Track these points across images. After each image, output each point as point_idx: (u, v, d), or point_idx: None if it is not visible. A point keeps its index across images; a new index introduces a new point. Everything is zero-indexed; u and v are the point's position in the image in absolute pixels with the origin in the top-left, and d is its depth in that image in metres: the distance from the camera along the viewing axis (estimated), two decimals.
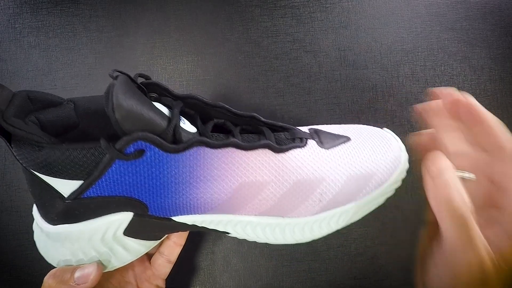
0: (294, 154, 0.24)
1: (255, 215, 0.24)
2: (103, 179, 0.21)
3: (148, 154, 0.20)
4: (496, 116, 0.36)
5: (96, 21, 0.37)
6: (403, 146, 0.26)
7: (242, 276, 0.35)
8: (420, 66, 0.36)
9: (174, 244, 0.29)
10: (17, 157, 0.20)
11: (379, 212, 0.35)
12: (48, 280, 0.23)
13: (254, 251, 0.35)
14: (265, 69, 0.36)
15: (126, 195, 0.22)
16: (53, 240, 0.24)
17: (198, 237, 0.35)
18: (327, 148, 0.25)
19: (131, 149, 0.20)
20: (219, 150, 0.22)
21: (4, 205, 0.35)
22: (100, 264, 0.24)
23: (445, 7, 0.37)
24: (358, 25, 0.37)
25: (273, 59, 0.36)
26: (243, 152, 0.23)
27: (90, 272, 0.23)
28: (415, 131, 0.36)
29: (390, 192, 0.25)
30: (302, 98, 0.36)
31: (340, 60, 0.36)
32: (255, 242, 0.35)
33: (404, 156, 0.26)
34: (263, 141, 0.23)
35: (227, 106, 0.25)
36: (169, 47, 0.37)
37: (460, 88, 0.36)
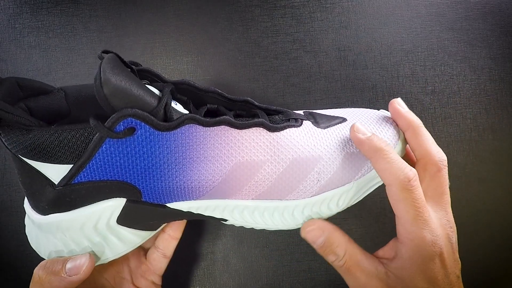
0: (290, 133, 0.24)
1: (252, 199, 0.24)
2: (94, 162, 0.20)
3: (139, 132, 0.20)
4: (496, 116, 0.36)
5: (96, 21, 0.37)
6: (400, 131, 0.26)
7: (242, 276, 0.35)
8: (420, 66, 0.36)
9: (170, 237, 0.29)
10: (6, 143, 0.20)
11: (379, 212, 0.35)
12: (38, 271, 0.23)
13: (254, 251, 0.35)
14: (265, 69, 0.36)
15: (118, 179, 0.21)
16: (44, 231, 0.23)
17: (198, 237, 0.35)
18: (323, 128, 0.25)
19: (121, 127, 0.19)
20: (211, 129, 0.22)
21: (4, 205, 0.35)
22: (93, 255, 0.23)
23: (445, 7, 0.37)
24: (358, 25, 0.37)
25: (273, 59, 0.36)
26: (237, 130, 0.22)
27: (83, 263, 0.22)
28: None
29: None
30: (302, 98, 0.36)
31: (340, 60, 0.36)
32: (255, 242, 0.35)
33: (402, 134, 0.26)
34: (257, 119, 0.23)
35: (219, 91, 0.25)
36: (169, 47, 0.37)
37: (460, 88, 0.36)
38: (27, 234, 0.25)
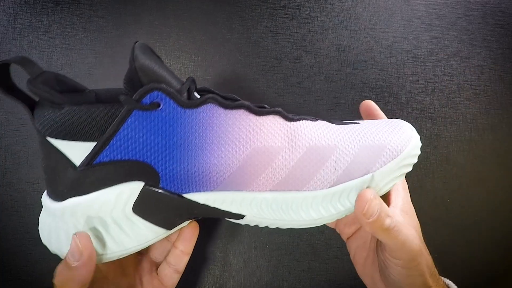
0: (305, 124, 0.24)
1: (270, 190, 0.24)
2: (118, 137, 0.22)
3: (163, 107, 0.21)
4: (496, 116, 0.36)
5: (96, 21, 0.37)
6: (413, 128, 0.26)
7: (242, 276, 0.35)
8: (420, 66, 0.36)
9: (182, 253, 0.29)
10: (37, 123, 0.22)
11: None
12: (57, 282, 0.23)
13: (254, 251, 0.35)
14: (265, 69, 0.36)
15: (138, 159, 0.22)
16: (58, 219, 0.23)
17: (198, 237, 0.35)
18: (337, 124, 0.26)
19: (147, 100, 0.21)
20: (231, 112, 0.23)
21: (4, 205, 0.35)
22: (88, 234, 0.23)
23: (445, 7, 0.37)
24: (358, 25, 0.37)
25: (273, 59, 0.36)
26: (255, 116, 0.23)
27: (77, 243, 0.22)
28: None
29: (407, 166, 0.25)
30: (302, 98, 0.36)
31: (340, 60, 0.36)
32: (255, 242, 0.35)
33: (416, 134, 0.26)
34: (275, 108, 0.24)
35: (236, 97, 0.25)
36: (169, 47, 0.37)
37: (460, 88, 0.37)
38: (40, 229, 0.25)
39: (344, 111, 0.36)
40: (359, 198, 0.23)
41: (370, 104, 0.30)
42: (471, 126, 0.36)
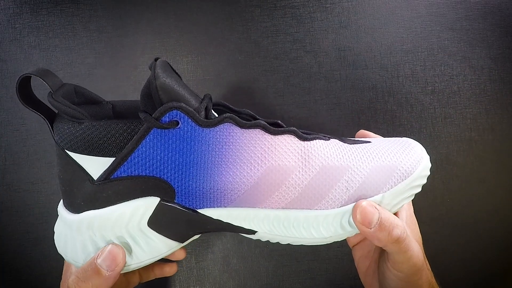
0: (319, 144, 0.25)
1: (282, 207, 0.24)
2: (136, 153, 0.22)
3: (182, 126, 0.22)
4: (496, 116, 0.36)
5: (96, 21, 0.37)
6: (423, 148, 0.26)
7: (242, 276, 0.35)
8: (420, 66, 0.36)
9: (154, 276, 0.31)
10: (56, 137, 0.22)
11: None
12: (76, 286, 0.23)
13: (254, 251, 0.35)
14: (265, 69, 0.36)
15: (155, 175, 0.23)
16: (75, 231, 0.24)
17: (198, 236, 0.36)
18: (350, 144, 0.26)
19: (166, 118, 0.22)
20: (247, 131, 0.23)
21: (4, 205, 0.35)
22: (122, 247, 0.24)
23: (445, 7, 0.37)
24: (358, 25, 0.37)
25: (273, 59, 0.36)
26: (270, 136, 0.24)
27: (119, 255, 0.23)
28: (415, 131, 0.37)
29: (416, 187, 0.25)
30: (302, 98, 0.36)
31: (340, 60, 0.36)
32: (255, 242, 0.35)
33: (426, 155, 0.26)
34: (289, 128, 0.24)
35: (251, 112, 0.26)
36: (169, 47, 0.37)
37: (460, 88, 0.36)
38: (55, 239, 0.25)
39: (344, 111, 0.36)
40: (353, 208, 0.24)
41: (366, 134, 0.30)
42: (471, 126, 0.36)
